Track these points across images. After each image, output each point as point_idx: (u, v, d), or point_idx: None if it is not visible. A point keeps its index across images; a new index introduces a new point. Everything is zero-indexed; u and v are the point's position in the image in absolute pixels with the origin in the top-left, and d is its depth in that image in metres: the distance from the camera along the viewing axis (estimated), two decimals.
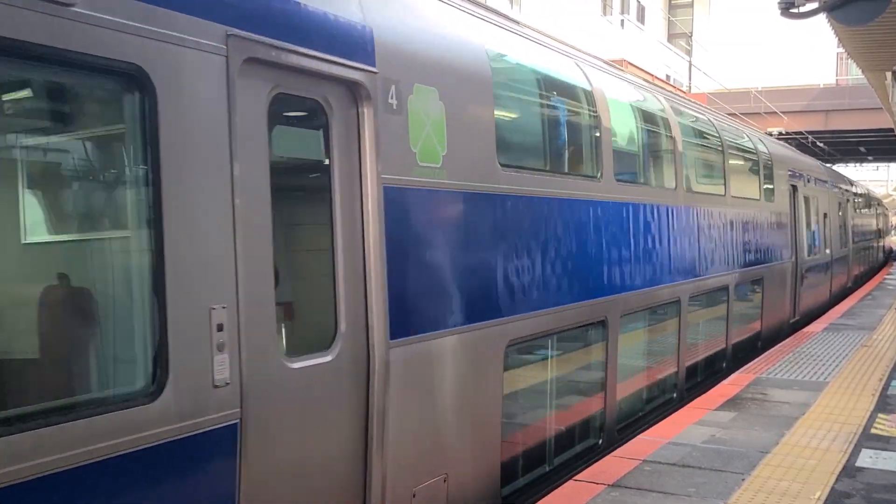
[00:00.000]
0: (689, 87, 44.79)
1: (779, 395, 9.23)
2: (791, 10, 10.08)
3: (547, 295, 6.58)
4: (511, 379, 6.25)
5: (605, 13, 38.87)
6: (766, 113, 36.18)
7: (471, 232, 5.69)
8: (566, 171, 7.64)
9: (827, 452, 6.96)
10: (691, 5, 57.37)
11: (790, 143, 25.07)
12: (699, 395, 9.37)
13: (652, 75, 32.01)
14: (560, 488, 6.14)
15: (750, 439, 7.40)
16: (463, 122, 5.60)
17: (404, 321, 4.98)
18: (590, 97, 7.88)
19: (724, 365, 11.70)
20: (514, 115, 6.99)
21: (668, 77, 44.16)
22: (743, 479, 6.28)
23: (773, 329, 14.34)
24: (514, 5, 30.21)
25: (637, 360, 9.12)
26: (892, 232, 39.32)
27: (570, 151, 7.89)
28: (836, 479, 6.27)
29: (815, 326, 15.33)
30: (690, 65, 45.97)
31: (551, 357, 7.23)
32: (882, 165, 66.33)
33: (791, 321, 15.83)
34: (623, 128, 8.75)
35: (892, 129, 29.76)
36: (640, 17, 45.90)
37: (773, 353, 12.22)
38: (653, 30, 47.61)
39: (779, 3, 10.18)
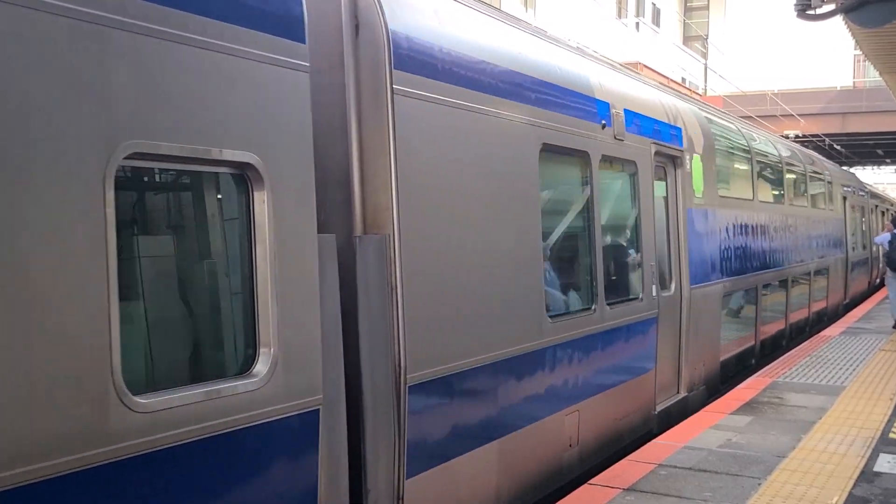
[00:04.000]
0: (705, 90, 44.66)
1: (795, 399, 9.17)
2: (807, 12, 10.05)
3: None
4: None
5: (620, 16, 38.83)
6: (782, 116, 36.01)
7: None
8: None
9: (844, 457, 6.91)
10: (707, 8, 57.27)
11: (807, 146, 24.61)
12: None
13: (667, 78, 31.95)
14: (575, 492, 6.13)
15: (766, 443, 7.36)
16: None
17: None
18: None
19: None
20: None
21: (683, 80, 44.05)
22: (759, 484, 6.24)
23: None
24: (529, 8, 30.23)
25: None
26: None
27: None
28: (854, 484, 6.22)
29: (833, 330, 15.22)
30: (706, 67, 45.84)
31: None
32: None
33: None
34: None
35: None
36: (656, 19, 45.85)
37: (790, 356, 12.14)
38: (668, 32, 47.52)
39: (795, 4, 10.15)
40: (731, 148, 12.12)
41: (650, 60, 35.39)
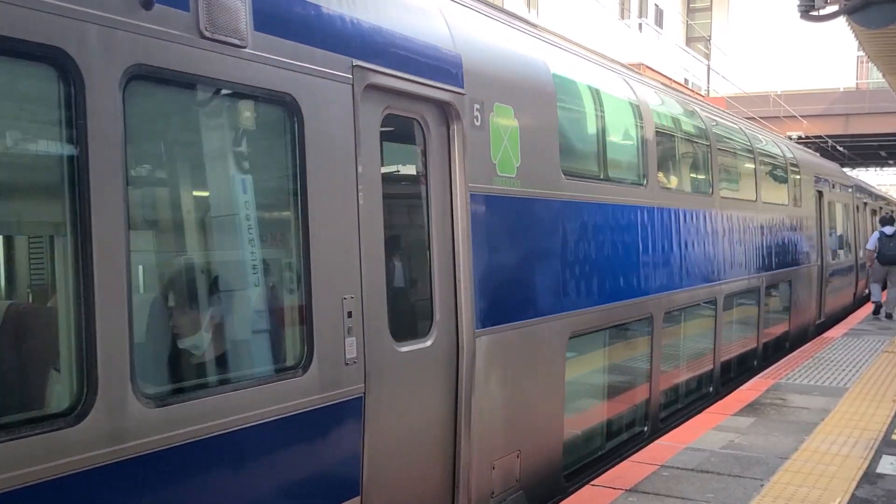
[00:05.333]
0: (708, 91, 44.64)
1: (798, 401, 9.16)
2: (811, 13, 10.07)
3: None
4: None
5: (622, 17, 38.82)
6: (785, 117, 35.98)
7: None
8: None
9: (847, 459, 6.90)
10: (710, 9, 57.23)
11: (810, 147, 24.41)
12: None
13: (670, 79, 31.93)
14: (577, 493, 6.12)
15: (769, 445, 7.35)
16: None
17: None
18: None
19: None
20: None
21: (686, 81, 44.03)
22: (762, 486, 6.23)
23: None
24: (532, 9, 30.22)
25: None
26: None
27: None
28: (857, 486, 6.21)
29: (836, 331, 15.20)
30: (709, 69, 45.82)
31: None
32: None
33: None
34: None
35: None
36: (659, 20, 45.83)
37: (793, 358, 12.13)
38: (671, 33, 47.51)
39: (798, 5, 10.16)
40: (602, 104, 7.91)
41: (653, 61, 35.36)
